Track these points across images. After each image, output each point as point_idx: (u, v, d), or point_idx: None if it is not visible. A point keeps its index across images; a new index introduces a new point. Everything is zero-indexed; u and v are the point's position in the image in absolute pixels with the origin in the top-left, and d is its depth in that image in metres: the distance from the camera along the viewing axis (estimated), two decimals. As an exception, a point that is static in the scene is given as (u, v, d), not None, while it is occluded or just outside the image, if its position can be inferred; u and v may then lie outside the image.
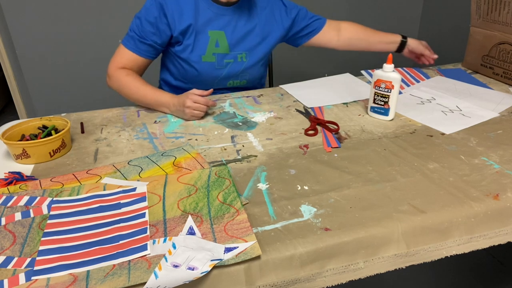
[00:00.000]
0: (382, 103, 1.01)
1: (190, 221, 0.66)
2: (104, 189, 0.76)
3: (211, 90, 1.06)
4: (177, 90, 1.27)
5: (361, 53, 2.46)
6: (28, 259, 0.60)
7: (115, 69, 1.14)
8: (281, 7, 1.24)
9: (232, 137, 0.96)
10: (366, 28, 1.34)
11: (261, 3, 1.20)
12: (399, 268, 0.67)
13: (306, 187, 0.76)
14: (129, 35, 1.13)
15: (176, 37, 1.13)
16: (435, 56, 1.33)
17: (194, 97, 1.03)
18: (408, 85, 1.26)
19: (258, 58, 1.23)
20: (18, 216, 0.69)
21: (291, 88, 1.25)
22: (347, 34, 1.33)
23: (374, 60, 2.46)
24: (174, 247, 0.61)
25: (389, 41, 1.32)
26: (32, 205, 0.72)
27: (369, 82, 1.29)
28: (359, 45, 1.35)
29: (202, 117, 1.06)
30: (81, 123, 1.05)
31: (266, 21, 1.21)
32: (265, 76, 1.37)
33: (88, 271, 0.58)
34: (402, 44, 1.32)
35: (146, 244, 0.62)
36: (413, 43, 1.32)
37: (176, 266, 0.57)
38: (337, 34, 1.33)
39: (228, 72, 1.21)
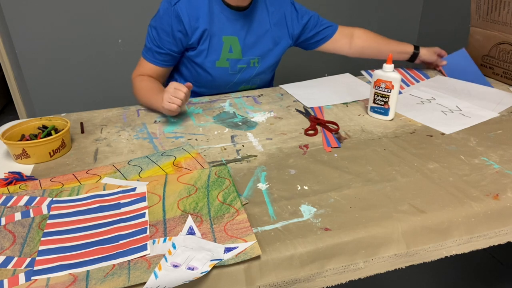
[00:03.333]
0: (382, 103, 1.01)
1: (190, 221, 0.66)
2: (104, 189, 0.76)
3: (190, 84, 1.02)
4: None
5: (361, 53, 2.46)
6: (28, 259, 0.60)
7: (134, 77, 1.18)
8: (293, 12, 1.23)
9: (232, 137, 0.96)
10: (378, 37, 1.32)
11: (272, 8, 1.19)
12: (399, 268, 0.67)
13: (306, 187, 0.76)
14: (147, 47, 1.15)
15: (192, 43, 1.13)
16: (444, 63, 1.33)
17: (176, 84, 0.99)
18: (408, 85, 1.26)
19: (270, 63, 1.23)
20: (18, 216, 0.69)
21: (291, 88, 1.25)
22: (359, 43, 1.31)
23: (374, 60, 2.46)
24: (174, 247, 0.61)
25: (401, 51, 1.31)
26: (32, 205, 0.72)
27: (369, 82, 1.29)
28: (370, 54, 1.33)
29: (177, 114, 1.05)
30: (81, 123, 1.04)
31: (277, 26, 1.21)
32: (273, 79, 1.38)
33: (88, 271, 0.58)
34: (414, 55, 1.31)
35: (146, 244, 0.62)
36: (425, 54, 1.31)
37: (176, 266, 0.57)
38: (349, 42, 1.31)
39: (241, 77, 1.21)
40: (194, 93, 1.26)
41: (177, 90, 0.98)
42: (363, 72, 1.38)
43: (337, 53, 1.34)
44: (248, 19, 1.16)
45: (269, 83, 1.34)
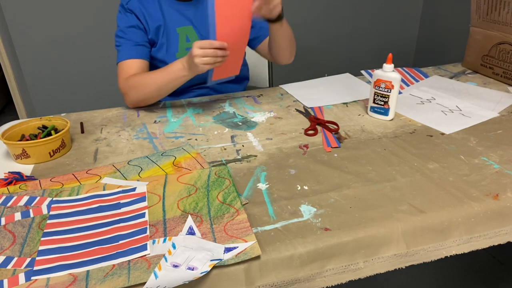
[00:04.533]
0: (382, 103, 1.01)
1: (190, 221, 0.66)
2: (104, 189, 0.76)
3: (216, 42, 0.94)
4: None
5: (361, 53, 2.47)
6: (28, 259, 0.60)
7: (123, 82, 1.09)
8: None
9: (232, 137, 0.96)
10: None
11: None
12: (399, 268, 0.67)
13: (306, 187, 0.76)
14: (120, 50, 1.11)
15: (151, 38, 1.14)
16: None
17: (199, 44, 0.93)
18: (407, 85, 1.26)
19: None
20: (18, 216, 0.69)
21: (291, 88, 1.25)
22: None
23: (374, 60, 2.46)
24: (174, 247, 0.61)
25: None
26: (32, 205, 0.72)
27: (369, 82, 1.29)
28: (274, 46, 1.19)
29: (215, 64, 0.95)
30: (81, 123, 1.04)
31: None
32: (246, 64, 1.34)
33: (87, 271, 0.58)
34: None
35: (146, 244, 0.62)
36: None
37: (176, 266, 0.57)
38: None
39: None
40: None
41: (204, 50, 0.93)
42: (363, 72, 1.38)
43: (266, 58, 1.28)
44: (199, 8, 1.17)
45: (243, 67, 1.25)
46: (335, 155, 0.87)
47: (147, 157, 0.88)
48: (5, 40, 1.98)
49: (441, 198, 0.72)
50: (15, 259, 0.60)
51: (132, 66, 1.10)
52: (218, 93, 1.27)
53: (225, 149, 0.91)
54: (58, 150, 0.89)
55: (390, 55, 0.98)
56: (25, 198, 0.73)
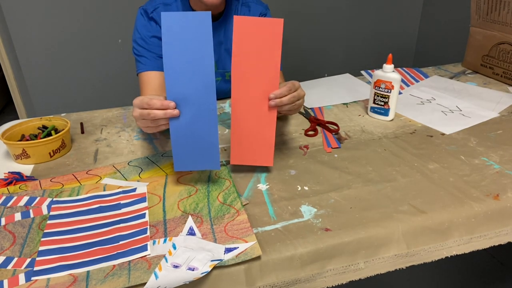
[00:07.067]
0: (382, 103, 1.01)
1: (190, 222, 0.66)
2: (104, 190, 0.76)
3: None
4: None
5: (361, 53, 2.47)
6: (28, 260, 0.60)
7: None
8: None
9: (232, 137, 0.96)
10: None
11: None
12: (399, 269, 0.67)
13: (306, 188, 0.76)
14: (141, 60, 1.04)
15: None
16: None
17: (138, 102, 0.73)
18: (408, 85, 1.26)
19: None
20: (18, 216, 0.69)
21: (291, 88, 1.25)
22: None
23: (374, 60, 2.46)
24: (174, 247, 0.61)
25: None
26: (32, 205, 0.72)
27: (369, 82, 1.29)
28: None
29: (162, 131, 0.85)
30: (81, 123, 1.04)
31: None
32: None
33: (88, 272, 0.58)
34: None
35: (146, 244, 0.62)
36: None
37: (176, 267, 0.57)
38: None
39: (217, 89, 1.12)
40: None
41: (146, 111, 0.71)
42: (363, 72, 1.38)
43: None
44: (221, 31, 1.10)
45: None
46: (335, 155, 0.87)
47: (147, 157, 0.88)
48: (5, 40, 1.97)
49: (442, 198, 0.72)
50: (15, 259, 0.60)
51: (156, 78, 1.05)
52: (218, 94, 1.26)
53: (225, 150, 0.91)
54: (58, 151, 0.89)
55: (390, 55, 0.98)
56: (25, 199, 0.73)
